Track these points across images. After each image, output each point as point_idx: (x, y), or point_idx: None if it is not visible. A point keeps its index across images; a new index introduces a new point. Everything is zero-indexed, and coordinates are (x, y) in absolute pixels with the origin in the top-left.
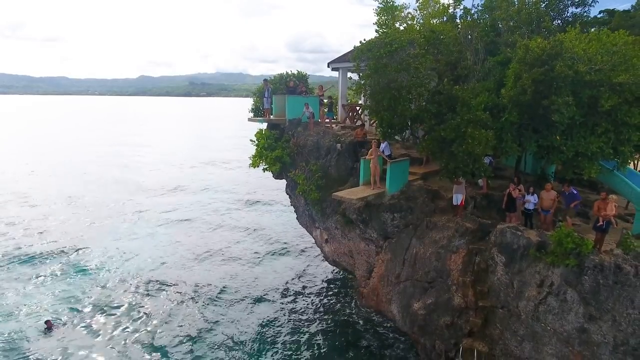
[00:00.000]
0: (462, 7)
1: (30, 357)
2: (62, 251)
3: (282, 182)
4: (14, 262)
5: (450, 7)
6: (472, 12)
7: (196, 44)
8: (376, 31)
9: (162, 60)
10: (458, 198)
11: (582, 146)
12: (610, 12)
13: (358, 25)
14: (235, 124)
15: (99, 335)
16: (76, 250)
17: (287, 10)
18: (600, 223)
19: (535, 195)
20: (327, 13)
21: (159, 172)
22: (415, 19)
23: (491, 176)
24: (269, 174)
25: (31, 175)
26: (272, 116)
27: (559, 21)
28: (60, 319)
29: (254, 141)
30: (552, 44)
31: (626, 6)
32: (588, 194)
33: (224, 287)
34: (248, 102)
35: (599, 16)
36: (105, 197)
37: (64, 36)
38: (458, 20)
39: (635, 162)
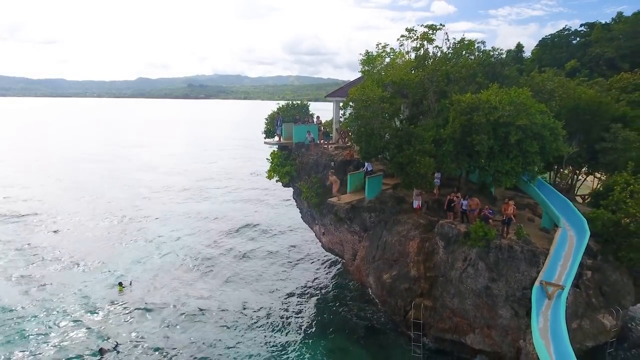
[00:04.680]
0: (434, 45)
1: (107, 308)
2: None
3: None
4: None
5: (422, 49)
6: (438, 54)
7: (194, 47)
8: (360, 86)
9: (160, 62)
10: (415, 203)
11: (500, 166)
12: (591, 25)
13: (355, 27)
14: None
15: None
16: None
17: (285, 12)
18: (504, 218)
19: (467, 200)
20: (324, 15)
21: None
22: (394, 62)
23: (434, 187)
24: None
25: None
26: (282, 139)
27: (489, 76)
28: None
29: (270, 159)
30: (473, 99)
31: (607, 19)
32: (524, 197)
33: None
34: (247, 104)
35: (579, 29)
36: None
37: (62, 38)
38: (431, 52)
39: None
